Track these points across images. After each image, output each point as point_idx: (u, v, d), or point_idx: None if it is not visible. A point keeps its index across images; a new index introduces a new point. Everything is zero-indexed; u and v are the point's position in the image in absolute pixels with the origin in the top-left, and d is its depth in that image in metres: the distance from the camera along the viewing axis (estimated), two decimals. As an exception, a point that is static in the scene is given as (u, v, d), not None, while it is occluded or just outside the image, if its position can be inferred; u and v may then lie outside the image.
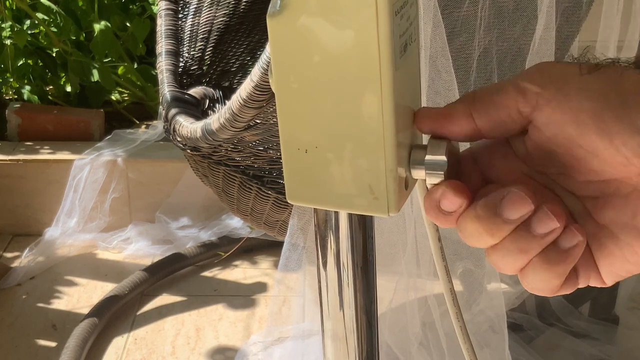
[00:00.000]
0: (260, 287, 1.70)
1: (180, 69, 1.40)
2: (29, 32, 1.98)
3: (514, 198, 0.42)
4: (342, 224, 0.56)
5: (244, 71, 1.52)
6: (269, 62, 0.94)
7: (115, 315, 1.61)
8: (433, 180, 0.48)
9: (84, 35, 2.09)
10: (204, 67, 1.47)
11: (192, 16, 1.45)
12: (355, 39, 0.45)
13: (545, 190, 0.45)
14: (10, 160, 1.85)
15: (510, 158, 0.46)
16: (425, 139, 0.50)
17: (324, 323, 0.60)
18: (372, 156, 0.47)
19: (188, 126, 1.14)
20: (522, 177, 0.46)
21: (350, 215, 0.56)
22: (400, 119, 0.47)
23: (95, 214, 1.85)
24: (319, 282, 0.59)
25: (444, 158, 0.48)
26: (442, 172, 0.47)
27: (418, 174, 0.49)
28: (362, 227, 0.56)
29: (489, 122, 0.45)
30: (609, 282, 0.44)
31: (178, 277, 1.74)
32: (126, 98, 2.13)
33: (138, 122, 2.08)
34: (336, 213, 0.56)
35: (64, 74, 2.08)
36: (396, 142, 0.47)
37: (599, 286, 0.45)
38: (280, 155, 1.21)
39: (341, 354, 0.60)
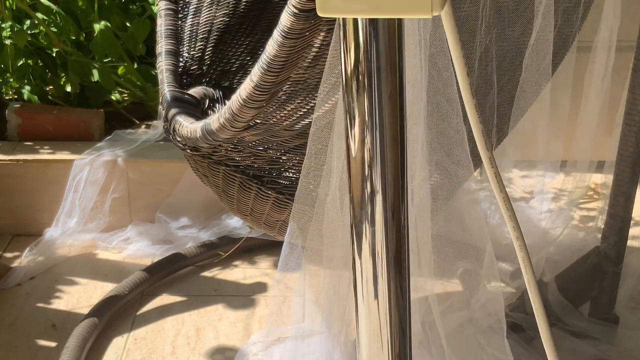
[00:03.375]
0: (260, 287, 1.70)
1: (180, 69, 1.40)
2: (29, 32, 1.98)
3: None
4: (378, 210, 0.55)
5: (244, 71, 1.52)
6: (269, 62, 0.94)
7: (115, 315, 1.61)
8: None
9: (84, 35, 2.08)
10: (204, 67, 1.47)
11: (192, 16, 1.45)
12: None
13: None
14: (10, 160, 1.85)
15: None
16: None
17: (359, 309, 0.60)
18: None
19: (188, 126, 1.14)
20: None
21: (385, 207, 0.55)
22: None
23: (95, 214, 1.85)
24: (354, 273, 0.59)
25: None
26: None
27: None
28: (397, 220, 0.56)
29: None
30: None
31: (178, 277, 1.74)
32: (126, 98, 2.13)
33: (138, 122, 2.08)
34: (372, 204, 0.55)
35: (64, 74, 2.08)
36: None
37: None
38: (280, 155, 1.20)
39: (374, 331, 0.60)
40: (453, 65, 0.96)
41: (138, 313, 1.63)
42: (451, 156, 1.05)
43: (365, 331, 0.61)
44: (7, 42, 1.95)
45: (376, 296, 0.59)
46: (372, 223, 0.56)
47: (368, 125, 0.53)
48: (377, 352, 0.61)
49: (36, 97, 2.05)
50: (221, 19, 1.48)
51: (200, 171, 1.28)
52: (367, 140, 0.54)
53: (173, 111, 1.23)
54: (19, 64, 2.00)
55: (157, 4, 1.44)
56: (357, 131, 0.54)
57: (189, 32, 1.45)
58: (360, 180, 0.56)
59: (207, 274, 1.76)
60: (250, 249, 1.82)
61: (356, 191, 0.56)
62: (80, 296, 1.68)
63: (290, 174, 1.23)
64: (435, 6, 0.45)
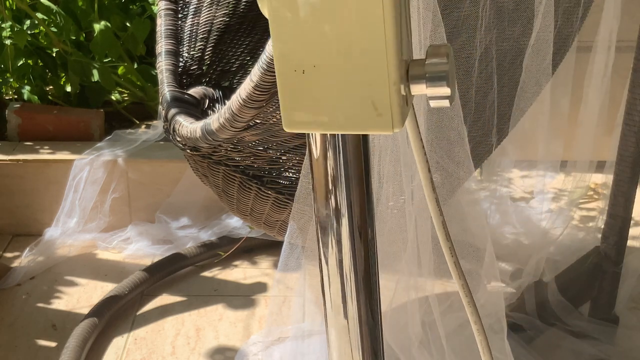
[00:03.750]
0: (260, 287, 1.70)
1: (180, 69, 1.40)
2: (29, 32, 1.98)
3: None
4: (344, 221, 0.55)
5: (244, 71, 1.52)
6: (269, 62, 0.94)
7: (115, 315, 1.61)
8: (435, 92, 0.47)
9: (84, 35, 2.08)
10: (204, 67, 1.47)
11: (191, 16, 1.45)
12: None
13: None
14: (10, 160, 1.85)
15: None
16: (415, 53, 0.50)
17: (329, 333, 0.60)
18: (374, 70, 0.46)
19: (188, 126, 1.14)
20: None
21: (351, 216, 0.55)
22: (399, 32, 0.46)
23: (95, 214, 1.85)
24: (322, 280, 0.59)
25: (445, 69, 0.46)
26: (445, 83, 0.46)
27: (418, 89, 0.48)
28: (363, 232, 0.56)
29: None
30: None
31: (178, 277, 1.74)
32: (126, 98, 2.13)
33: (138, 122, 2.08)
34: (337, 212, 0.55)
35: (64, 74, 2.08)
36: (399, 53, 0.45)
37: None
38: (280, 155, 1.21)
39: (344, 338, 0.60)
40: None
41: (138, 313, 1.63)
42: (451, 156, 1.05)
43: (337, 356, 0.60)
44: (7, 42, 1.95)
45: (346, 316, 0.58)
46: (340, 245, 0.56)
47: (330, 143, 0.54)
48: None
49: (36, 97, 2.05)
50: (221, 19, 1.48)
51: (200, 171, 1.28)
52: (330, 155, 0.54)
53: (173, 111, 1.23)
54: (19, 64, 2.00)
55: (157, 4, 1.44)
56: (319, 148, 0.54)
57: (189, 32, 1.44)
58: (324, 200, 0.56)
59: (207, 274, 1.76)
60: (250, 249, 1.82)
61: (321, 214, 0.56)
62: (80, 296, 1.68)
63: (290, 174, 1.23)
64: (396, 123, 0.47)
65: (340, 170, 0.54)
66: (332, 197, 0.55)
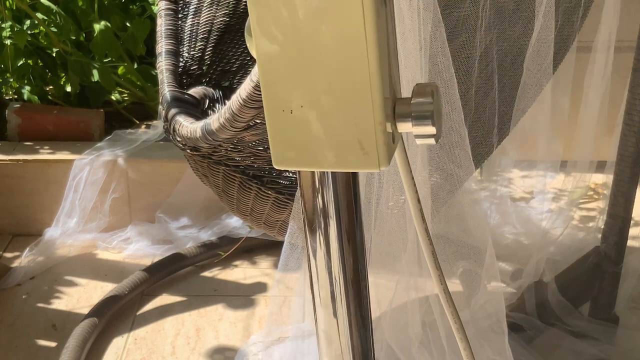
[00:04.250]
0: (260, 287, 1.70)
1: (180, 69, 1.40)
2: (29, 32, 1.98)
3: None
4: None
5: (244, 71, 1.52)
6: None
7: (115, 315, 1.61)
8: (421, 130, 0.48)
9: (84, 35, 2.08)
10: (204, 67, 1.47)
11: (192, 16, 1.45)
12: None
13: None
14: (10, 160, 1.85)
15: None
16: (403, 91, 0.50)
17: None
18: (360, 110, 0.47)
19: (188, 126, 1.14)
20: None
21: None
22: (385, 72, 0.47)
23: (95, 214, 1.85)
24: (314, 314, 0.59)
25: (430, 108, 0.47)
26: (430, 122, 0.47)
27: (405, 127, 0.49)
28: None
29: None
30: None
31: (178, 277, 1.74)
32: (126, 98, 2.13)
33: (138, 122, 2.08)
34: (327, 245, 0.55)
35: (64, 74, 2.08)
36: (384, 94, 0.46)
37: None
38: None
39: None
40: (453, 66, 0.96)
41: (138, 313, 1.63)
42: (451, 157, 1.05)
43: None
44: (7, 42, 1.95)
45: (338, 334, 0.58)
46: (328, 253, 0.56)
47: (320, 179, 0.55)
48: None
49: (36, 97, 2.05)
50: (221, 19, 1.48)
51: (200, 171, 1.28)
52: (319, 190, 0.55)
53: (173, 111, 1.23)
54: (19, 64, 2.00)
55: (157, 4, 1.44)
56: (309, 184, 0.55)
57: (189, 32, 1.44)
58: (314, 234, 0.56)
59: (207, 274, 1.76)
60: (250, 249, 1.82)
61: (313, 247, 0.56)
62: (80, 296, 1.68)
63: (290, 174, 1.23)
64: (382, 161, 0.48)
65: (331, 206, 0.55)
66: (322, 230, 0.56)
